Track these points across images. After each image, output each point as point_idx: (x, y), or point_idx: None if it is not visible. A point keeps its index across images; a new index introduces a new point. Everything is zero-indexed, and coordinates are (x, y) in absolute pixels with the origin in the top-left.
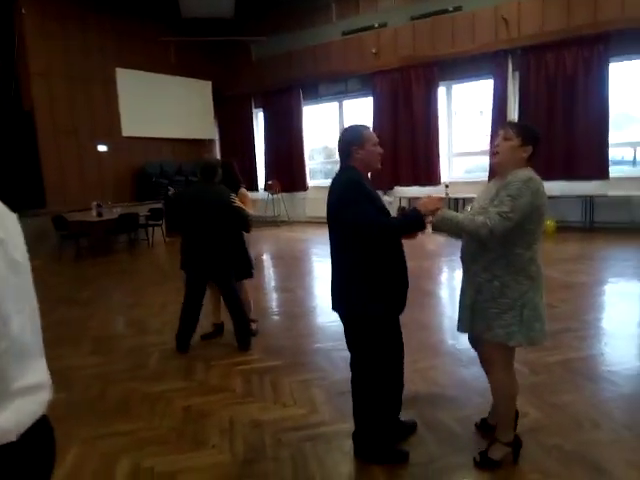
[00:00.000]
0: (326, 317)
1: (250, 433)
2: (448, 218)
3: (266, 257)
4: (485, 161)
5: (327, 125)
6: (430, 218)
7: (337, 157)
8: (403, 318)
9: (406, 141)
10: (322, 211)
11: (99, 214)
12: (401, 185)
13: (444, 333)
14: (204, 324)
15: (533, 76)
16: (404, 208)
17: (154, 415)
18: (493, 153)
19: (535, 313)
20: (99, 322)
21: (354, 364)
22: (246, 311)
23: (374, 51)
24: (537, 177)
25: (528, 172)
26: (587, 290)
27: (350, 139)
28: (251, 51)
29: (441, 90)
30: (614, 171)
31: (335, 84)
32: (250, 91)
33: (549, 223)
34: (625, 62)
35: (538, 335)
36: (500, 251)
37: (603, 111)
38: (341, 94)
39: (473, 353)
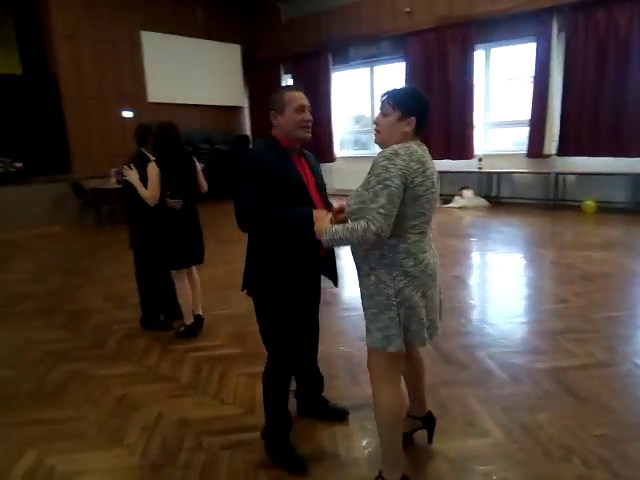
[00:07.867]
0: None
1: (173, 433)
2: (333, 239)
3: None
4: (524, 133)
5: (358, 92)
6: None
7: (371, 127)
8: None
9: (439, 110)
10: (350, 184)
11: (118, 182)
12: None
13: None
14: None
15: (581, 38)
16: None
17: (86, 403)
18: (375, 131)
19: (413, 312)
20: (84, 293)
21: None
22: (181, 303)
23: (407, 10)
24: (414, 149)
25: (398, 146)
26: (609, 283)
27: (272, 103)
28: (280, 12)
29: (479, 54)
30: None
31: (366, 47)
32: (279, 55)
33: (589, 203)
34: None
35: (413, 335)
36: None
37: None
38: (372, 58)
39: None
